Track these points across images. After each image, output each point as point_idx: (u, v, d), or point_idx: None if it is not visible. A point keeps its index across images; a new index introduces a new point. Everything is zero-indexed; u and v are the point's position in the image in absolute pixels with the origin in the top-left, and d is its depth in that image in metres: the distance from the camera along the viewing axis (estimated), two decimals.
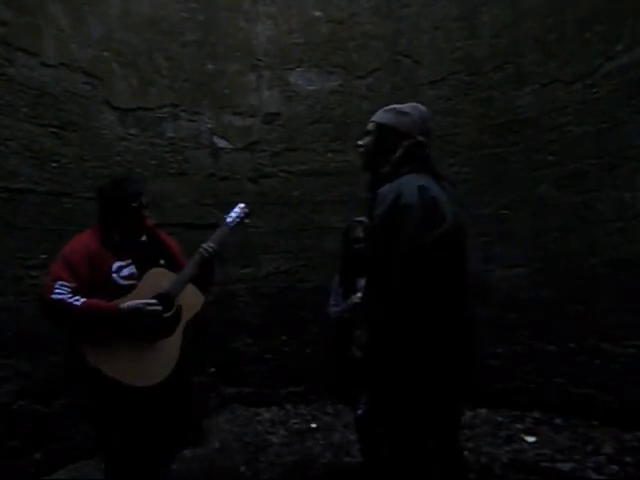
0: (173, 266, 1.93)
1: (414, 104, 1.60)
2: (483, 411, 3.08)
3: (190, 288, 1.92)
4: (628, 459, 2.32)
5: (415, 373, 1.36)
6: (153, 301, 1.75)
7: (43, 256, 2.60)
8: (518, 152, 3.20)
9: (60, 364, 1.84)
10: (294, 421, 3.25)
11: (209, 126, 3.69)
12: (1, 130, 2.46)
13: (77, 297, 1.65)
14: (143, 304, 1.72)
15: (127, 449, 1.74)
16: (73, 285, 1.67)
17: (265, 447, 2.83)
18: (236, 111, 3.78)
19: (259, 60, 3.80)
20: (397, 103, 1.61)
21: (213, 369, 3.53)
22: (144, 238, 1.93)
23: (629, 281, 2.69)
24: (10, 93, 2.50)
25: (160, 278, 1.85)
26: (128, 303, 1.71)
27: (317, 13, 3.79)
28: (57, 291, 1.64)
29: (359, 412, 2.03)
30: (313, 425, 3.14)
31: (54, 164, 2.70)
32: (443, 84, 3.49)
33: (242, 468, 2.57)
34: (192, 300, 1.93)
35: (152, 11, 3.35)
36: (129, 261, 1.81)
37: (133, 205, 1.84)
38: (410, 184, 1.40)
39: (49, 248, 2.63)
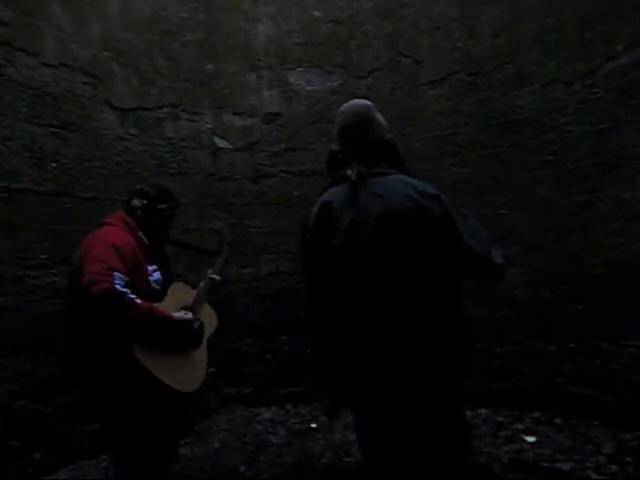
0: (171, 275, 1.98)
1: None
2: (483, 411, 3.08)
3: (207, 307, 2.02)
4: (628, 459, 2.32)
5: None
6: (195, 318, 1.85)
7: (43, 256, 2.60)
8: (518, 152, 3.19)
9: (77, 357, 1.75)
10: (294, 421, 3.25)
11: (209, 126, 3.69)
12: (1, 130, 2.46)
13: (134, 295, 1.58)
14: (193, 319, 1.80)
15: (146, 444, 1.73)
16: (127, 279, 1.59)
17: (265, 447, 2.83)
18: (236, 111, 3.78)
19: (259, 60, 3.79)
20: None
21: (213, 369, 3.52)
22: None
23: (629, 281, 2.69)
24: (10, 93, 2.51)
25: (183, 292, 1.93)
26: (180, 314, 1.76)
27: (317, 13, 3.78)
28: (118, 282, 1.54)
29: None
30: (313, 425, 3.14)
31: (54, 164, 2.70)
32: (443, 84, 3.48)
33: (242, 468, 2.57)
34: (210, 318, 2.03)
35: (152, 11, 3.35)
36: (156, 267, 1.85)
37: (173, 214, 1.93)
38: (317, 203, 1.45)
39: (49, 248, 2.63)
